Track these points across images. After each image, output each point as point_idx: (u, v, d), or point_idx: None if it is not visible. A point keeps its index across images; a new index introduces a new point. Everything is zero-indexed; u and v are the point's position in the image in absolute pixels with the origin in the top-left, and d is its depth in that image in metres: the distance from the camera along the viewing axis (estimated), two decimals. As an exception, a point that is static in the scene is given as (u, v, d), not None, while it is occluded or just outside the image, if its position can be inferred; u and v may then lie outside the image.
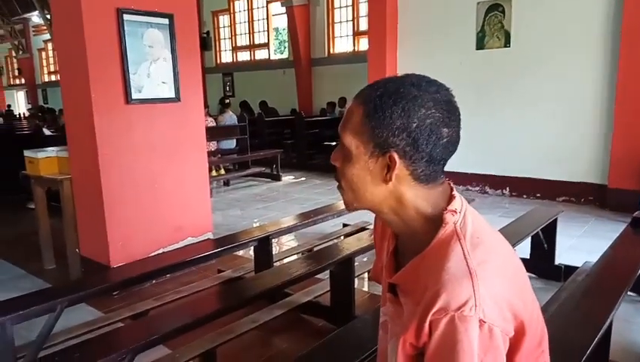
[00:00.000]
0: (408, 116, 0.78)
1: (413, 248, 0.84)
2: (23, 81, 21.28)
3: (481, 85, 5.80)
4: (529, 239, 3.09)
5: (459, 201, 0.84)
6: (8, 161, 5.25)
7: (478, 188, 6.00)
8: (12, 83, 23.04)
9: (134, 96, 3.21)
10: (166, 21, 3.35)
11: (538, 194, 5.53)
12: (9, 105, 19.50)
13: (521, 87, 5.52)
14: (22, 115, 15.99)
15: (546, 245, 3.19)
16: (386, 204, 0.85)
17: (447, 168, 0.86)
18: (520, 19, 5.45)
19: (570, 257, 3.35)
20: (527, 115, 5.52)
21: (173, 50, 3.39)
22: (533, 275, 3.22)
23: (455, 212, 0.82)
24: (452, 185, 0.88)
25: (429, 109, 0.78)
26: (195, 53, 3.68)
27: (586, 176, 5.22)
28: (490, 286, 0.74)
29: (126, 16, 3.12)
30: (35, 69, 20.62)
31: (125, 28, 3.12)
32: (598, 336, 1.66)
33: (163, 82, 3.39)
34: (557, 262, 3.26)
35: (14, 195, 5.57)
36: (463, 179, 5.97)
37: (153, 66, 3.32)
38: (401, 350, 0.79)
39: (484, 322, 0.71)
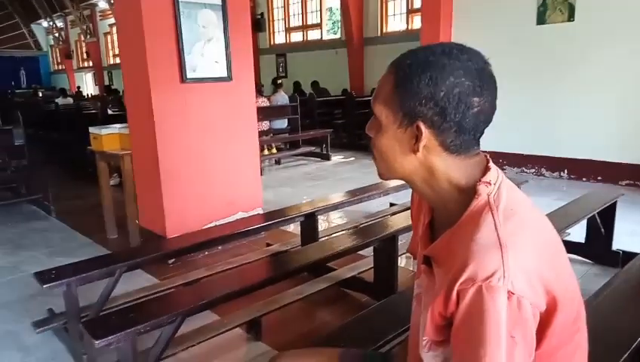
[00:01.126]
0: (436, 85, 0.77)
1: (447, 220, 0.84)
2: (90, 63, 22.44)
3: (541, 62, 5.49)
4: (584, 223, 2.95)
5: (494, 173, 0.83)
6: (77, 137, 5.60)
7: (533, 170, 5.74)
8: (81, 66, 24.33)
9: (189, 75, 3.33)
10: (219, 2, 3.42)
11: (599, 178, 5.23)
12: (78, 87, 20.71)
13: (585, 63, 5.18)
14: (89, 95, 16.99)
15: (603, 229, 3.04)
16: (416, 174, 0.85)
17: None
18: (586, -9, 5.11)
19: (630, 243, 3.17)
20: (591, 94, 5.18)
21: (225, 30, 3.47)
22: (587, 260, 3.10)
23: (489, 183, 0.81)
24: (488, 157, 0.86)
25: (458, 78, 0.77)
26: (247, 32, 3.74)
27: (652, 158, 4.88)
28: (521, 258, 0.73)
29: (181, -2, 3.22)
30: (101, 52, 21.68)
31: (181, 9, 3.22)
32: (651, 324, 1.59)
33: (216, 62, 3.48)
34: (615, 247, 3.10)
35: (84, 170, 5.94)
36: (518, 161, 5.71)
37: (207, 46, 3.41)
38: (430, 320, 0.79)
39: (513, 294, 0.70)
